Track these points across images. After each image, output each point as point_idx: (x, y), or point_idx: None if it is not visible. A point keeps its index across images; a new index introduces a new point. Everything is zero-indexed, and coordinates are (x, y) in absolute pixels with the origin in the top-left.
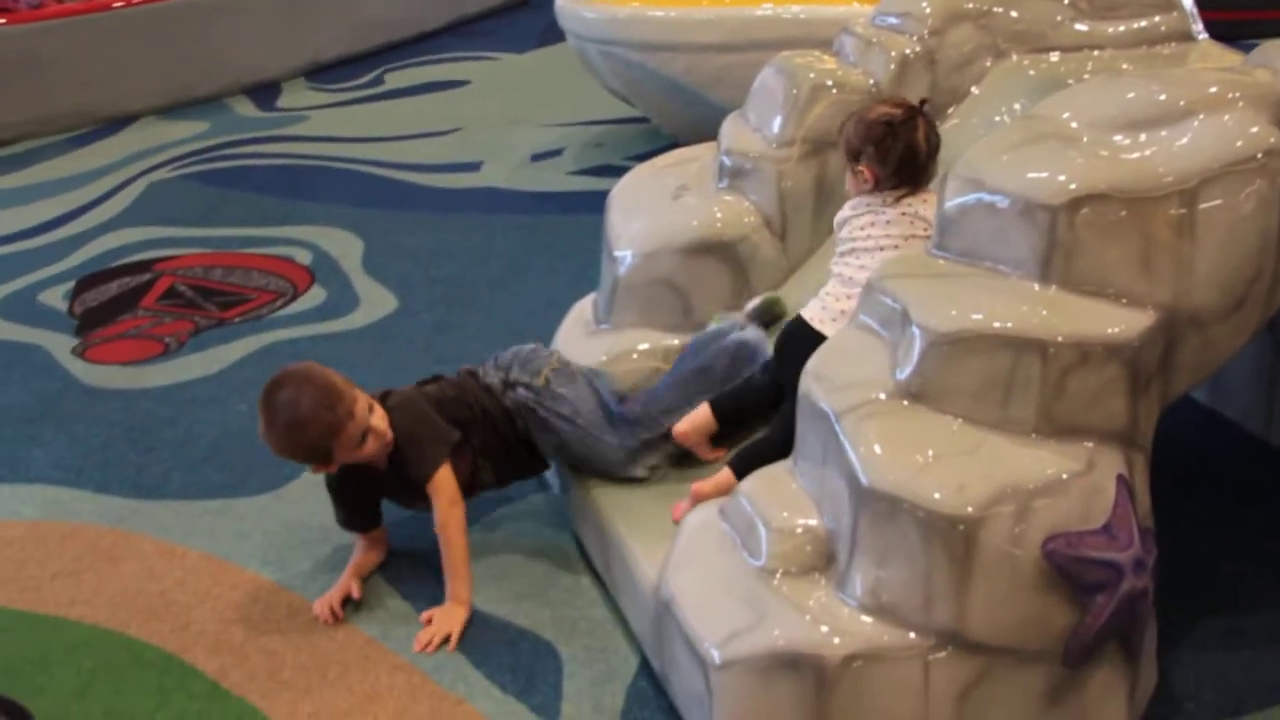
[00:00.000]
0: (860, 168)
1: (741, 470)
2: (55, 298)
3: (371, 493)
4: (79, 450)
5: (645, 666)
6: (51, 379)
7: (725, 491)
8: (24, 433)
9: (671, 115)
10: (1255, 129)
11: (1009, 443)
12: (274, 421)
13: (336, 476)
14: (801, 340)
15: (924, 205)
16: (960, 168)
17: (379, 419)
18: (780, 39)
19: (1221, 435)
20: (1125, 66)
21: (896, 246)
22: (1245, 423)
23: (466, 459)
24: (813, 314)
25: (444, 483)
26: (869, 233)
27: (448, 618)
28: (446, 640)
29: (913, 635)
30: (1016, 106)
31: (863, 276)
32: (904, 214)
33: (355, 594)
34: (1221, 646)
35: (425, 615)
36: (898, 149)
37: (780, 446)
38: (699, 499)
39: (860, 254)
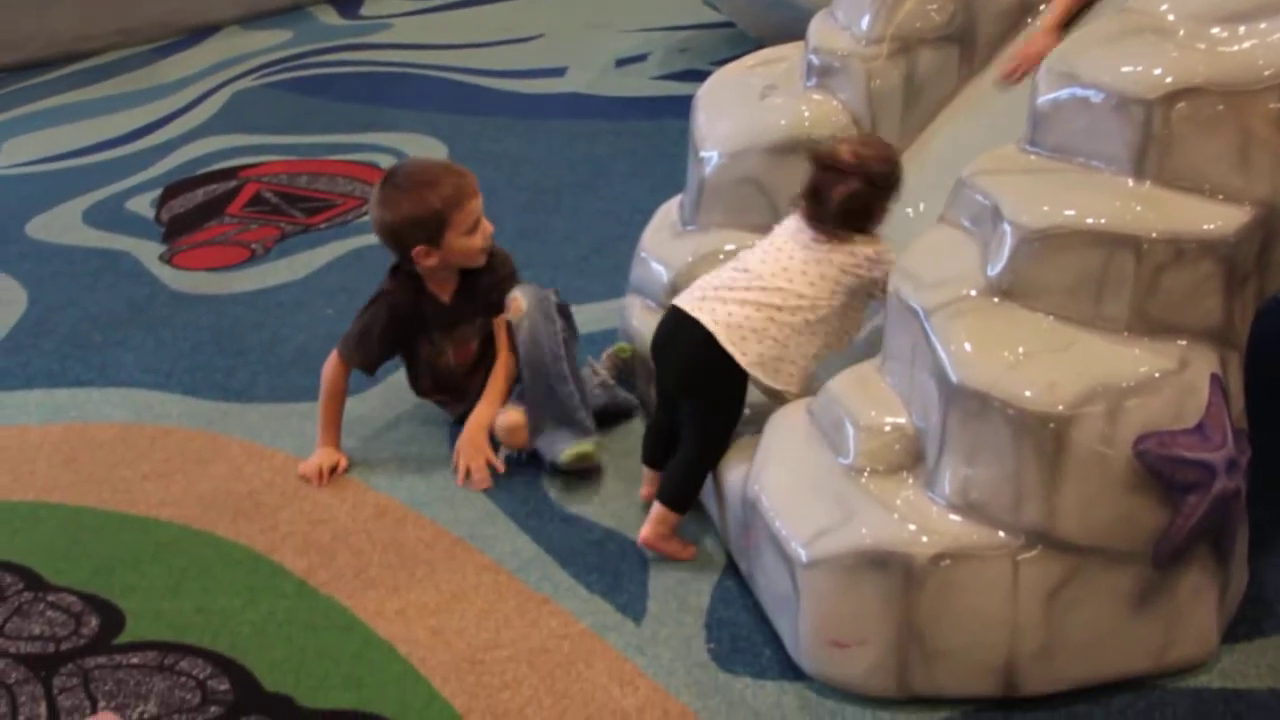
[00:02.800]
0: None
1: (675, 502)
2: (143, 205)
3: (405, 335)
4: (167, 354)
5: (731, 565)
6: (140, 285)
7: (670, 527)
8: (113, 337)
9: (756, 19)
10: None
11: (1101, 340)
12: (398, 184)
13: (388, 307)
14: (680, 338)
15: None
16: (1053, 61)
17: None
18: None
19: None
20: None
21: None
22: None
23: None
24: (690, 304)
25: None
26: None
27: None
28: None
29: (1001, 534)
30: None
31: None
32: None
33: (344, 464)
34: None
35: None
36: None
37: (695, 460)
38: (650, 547)
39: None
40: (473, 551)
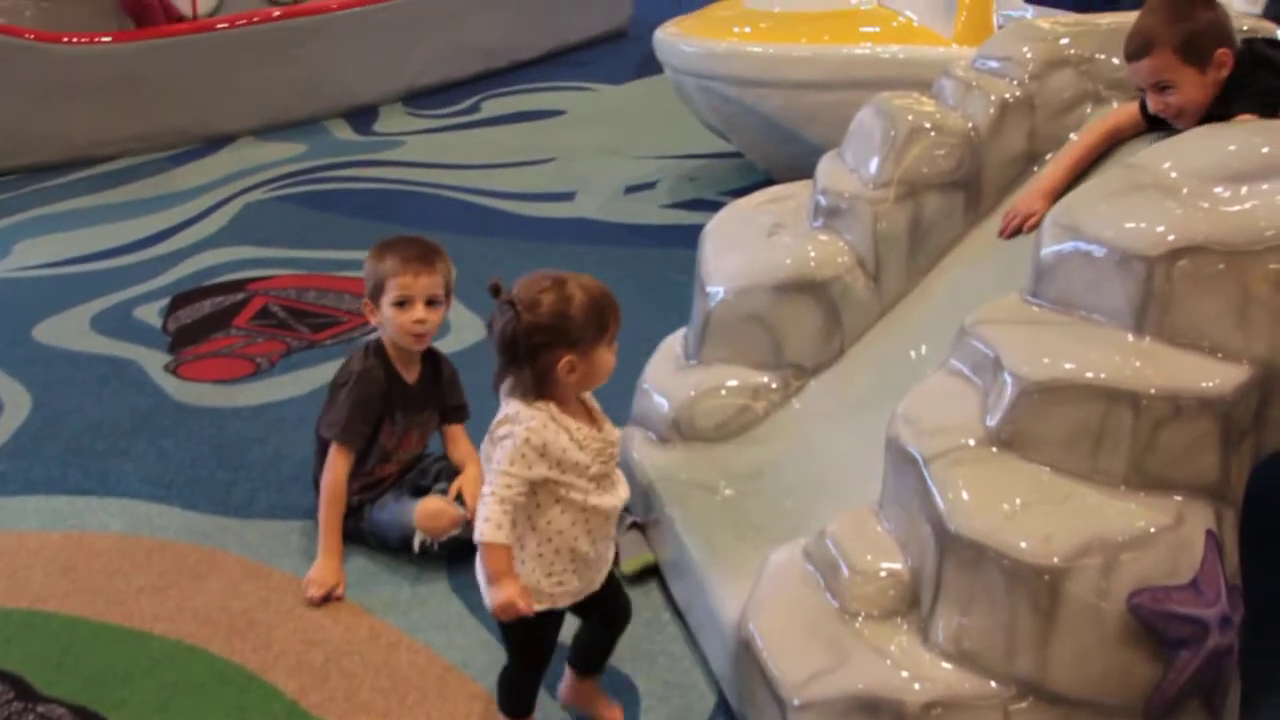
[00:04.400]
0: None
1: (583, 667)
2: (150, 314)
3: (377, 414)
4: (168, 466)
5: (723, 703)
6: (144, 395)
7: (587, 697)
8: (115, 447)
9: (766, 151)
10: None
11: (1098, 494)
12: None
13: (371, 382)
14: None
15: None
16: (1058, 214)
17: None
18: (878, 78)
19: None
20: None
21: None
22: None
23: None
24: None
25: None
26: None
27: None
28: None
29: (994, 684)
30: (1116, 154)
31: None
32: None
33: (342, 589)
34: None
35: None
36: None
37: (596, 631)
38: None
39: None
40: (465, 679)
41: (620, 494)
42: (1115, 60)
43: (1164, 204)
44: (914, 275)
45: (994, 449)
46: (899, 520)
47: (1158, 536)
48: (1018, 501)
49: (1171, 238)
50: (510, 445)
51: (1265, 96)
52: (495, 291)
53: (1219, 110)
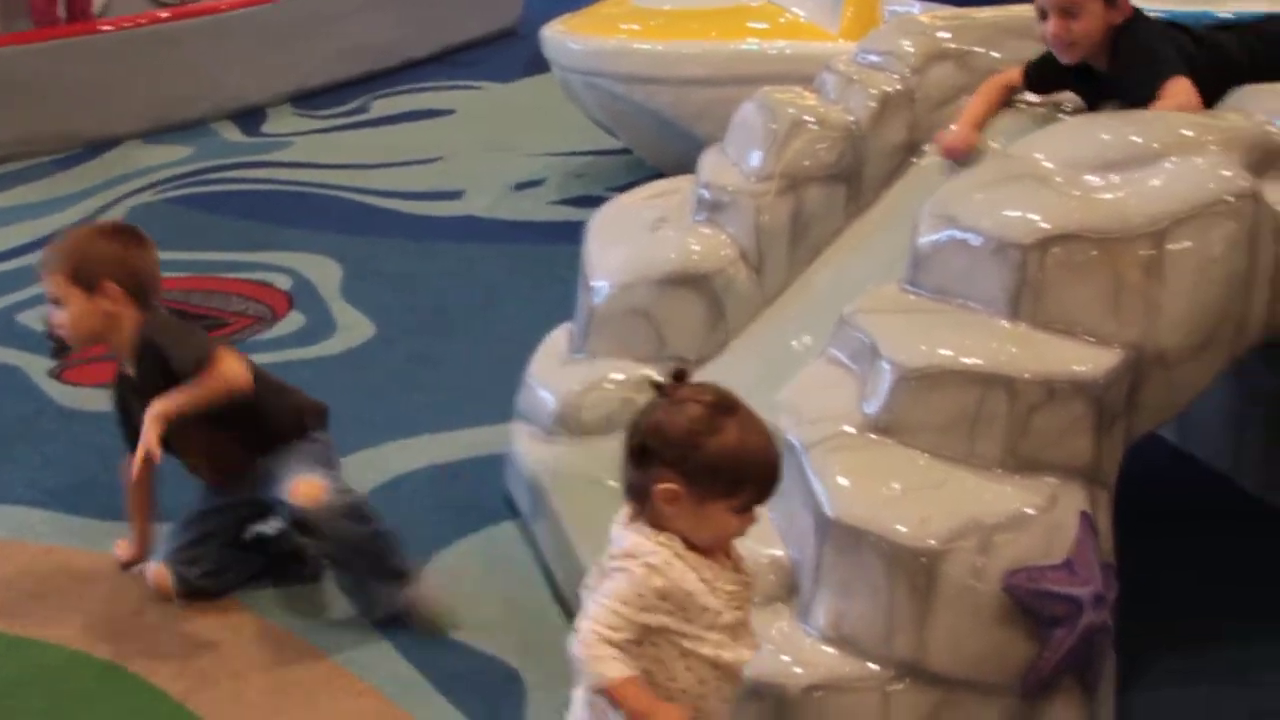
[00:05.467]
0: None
1: None
2: (34, 319)
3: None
4: (52, 471)
5: None
6: (28, 400)
7: None
8: None
9: (655, 148)
10: (1226, 172)
11: (974, 477)
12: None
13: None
14: None
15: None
16: (933, 205)
17: None
18: (765, 74)
19: (1189, 474)
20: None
21: None
22: (1213, 462)
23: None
24: None
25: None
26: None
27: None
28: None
29: (873, 666)
30: (994, 145)
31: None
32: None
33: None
34: (1181, 683)
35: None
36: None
37: None
38: None
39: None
40: (351, 678)
41: (753, 645)
42: (995, 54)
43: (1038, 193)
44: (796, 267)
45: (872, 435)
46: (779, 508)
47: (1032, 518)
48: (895, 486)
49: (1045, 226)
50: (625, 580)
51: (1184, 62)
52: (679, 377)
53: (1115, 69)
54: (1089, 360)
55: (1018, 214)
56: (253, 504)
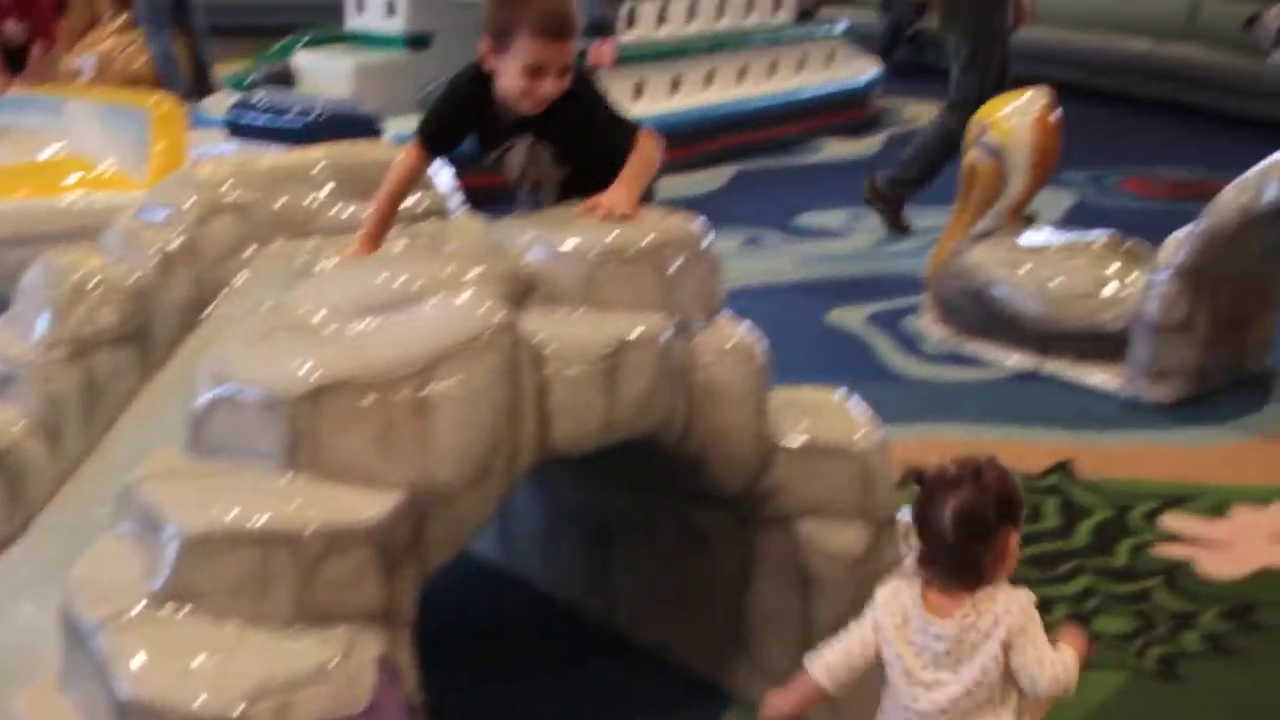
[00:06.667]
0: None
1: None
2: None
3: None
4: None
5: None
6: None
7: None
8: None
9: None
10: (484, 306)
11: (268, 637)
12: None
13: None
14: None
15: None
16: (208, 364)
17: None
18: (74, 229)
19: (511, 593)
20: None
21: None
22: (533, 579)
23: None
24: None
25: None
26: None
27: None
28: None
29: None
30: (278, 293)
31: None
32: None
33: None
34: None
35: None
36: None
37: None
38: None
39: None
40: None
41: None
42: (275, 204)
43: (306, 344)
44: (94, 436)
45: (162, 607)
46: (82, 691)
47: (329, 671)
48: (190, 658)
49: (313, 377)
50: (1031, 626)
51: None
52: (918, 479)
53: (548, 123)
54: (369, 506)
55: (287, 367)
56: None
